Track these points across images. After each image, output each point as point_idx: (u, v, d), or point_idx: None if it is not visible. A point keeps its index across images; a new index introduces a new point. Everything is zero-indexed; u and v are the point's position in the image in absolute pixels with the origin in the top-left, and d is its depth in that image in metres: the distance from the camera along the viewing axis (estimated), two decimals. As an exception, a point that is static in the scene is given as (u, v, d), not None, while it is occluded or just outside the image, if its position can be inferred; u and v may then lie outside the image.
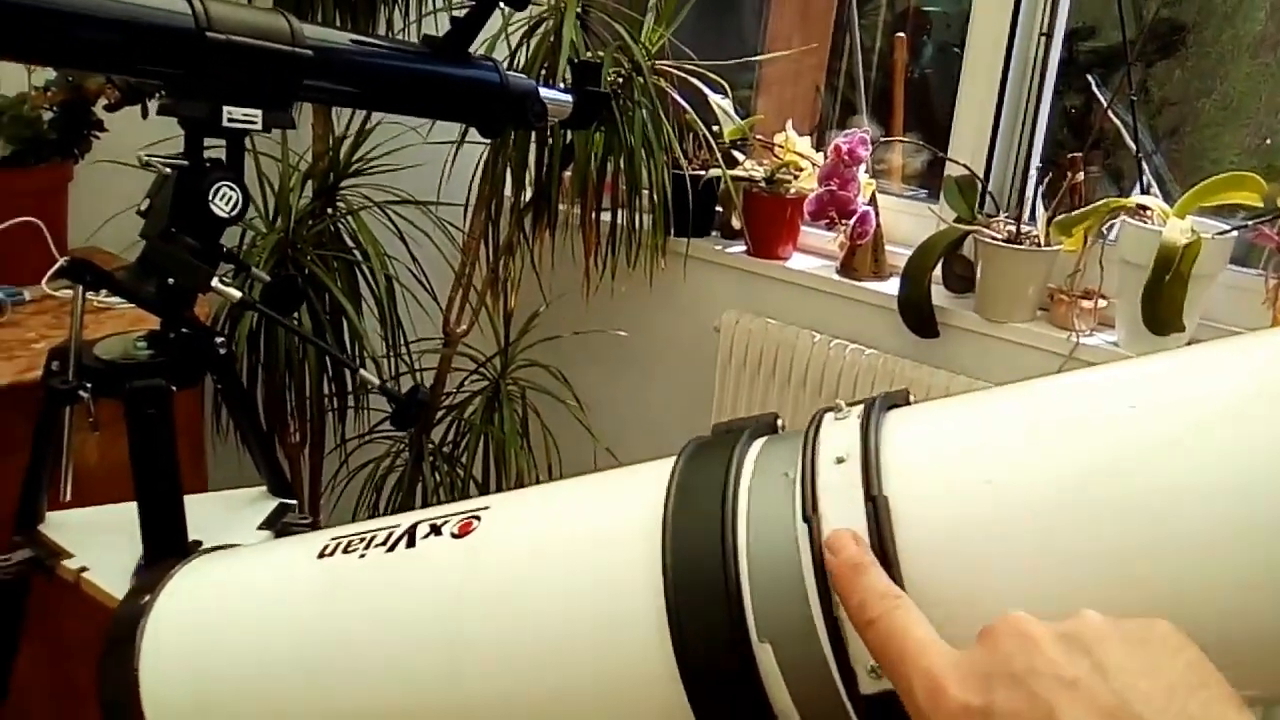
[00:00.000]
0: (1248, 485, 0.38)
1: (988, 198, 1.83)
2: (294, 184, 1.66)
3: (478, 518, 0.57)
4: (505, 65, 1.16)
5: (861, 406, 0.50)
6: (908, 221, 1.98)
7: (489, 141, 1.87)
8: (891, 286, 1.88)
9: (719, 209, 2.11)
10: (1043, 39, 1.77)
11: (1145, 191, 1.65)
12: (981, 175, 1.81)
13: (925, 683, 0.37)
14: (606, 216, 1.91)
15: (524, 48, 1.84)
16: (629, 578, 0.47)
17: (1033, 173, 1.85)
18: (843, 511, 0.44)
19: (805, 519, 0.45)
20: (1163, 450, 0.40)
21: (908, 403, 0.51)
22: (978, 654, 0.37)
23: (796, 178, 1.96)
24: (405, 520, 0.60)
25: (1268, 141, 1.81)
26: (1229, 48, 1.82)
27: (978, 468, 0.44)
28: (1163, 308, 1.53)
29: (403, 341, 1.85)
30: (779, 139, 1.98)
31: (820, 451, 0.47)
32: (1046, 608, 0.38)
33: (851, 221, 1.76)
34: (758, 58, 2.18)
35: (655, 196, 1.86)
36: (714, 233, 2.13)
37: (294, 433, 1.88)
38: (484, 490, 1.95)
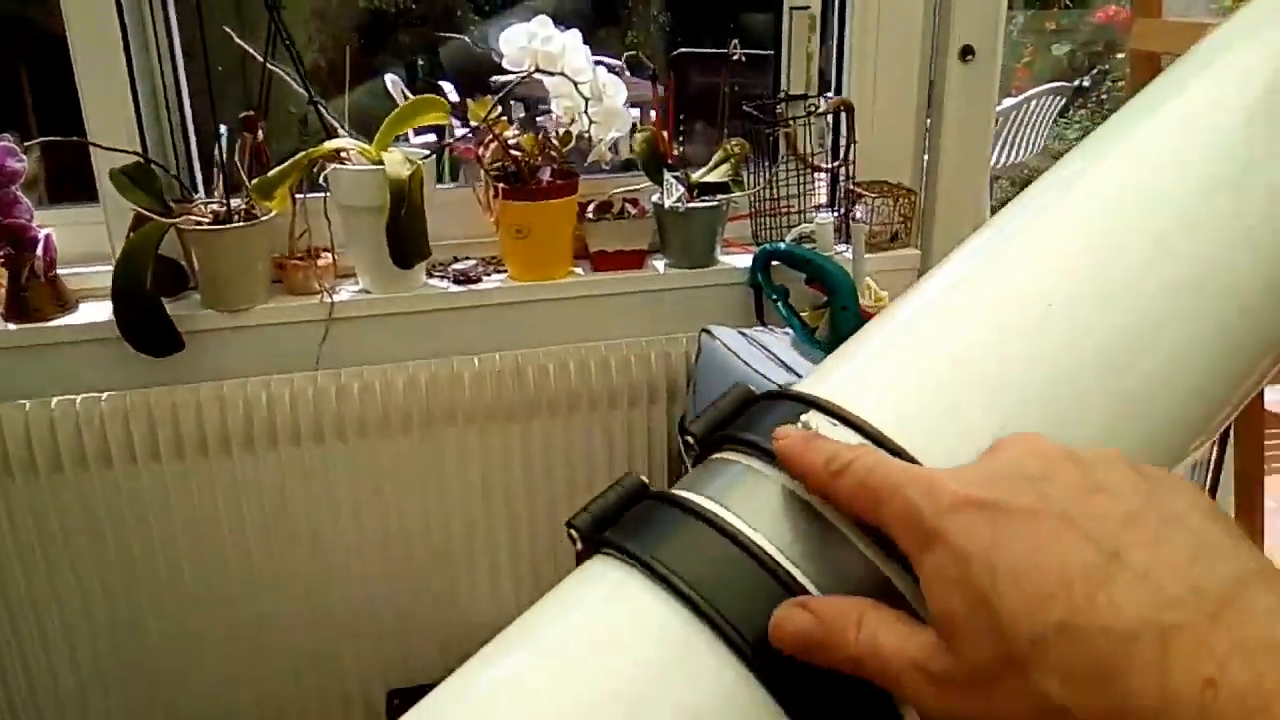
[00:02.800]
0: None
1: (172, 184, 1.60)
2: None
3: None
4: None
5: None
6: (56, 236, 1.62)
7: None
8: (85, 315, 1.55)
9: None
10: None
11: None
12: (144, 159, 1.56)
13: (921, 486, 0.33)
14: None
15: None
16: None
17: (194, 142, 1.67)
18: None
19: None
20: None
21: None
22: (983, 461, 0.35)
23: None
24: None
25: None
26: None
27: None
28: (409, 240, 1.54)
29: None
30: None
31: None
32: None
33: (39, 251, 1.39)
34: None
35: None
36: None
37: None
38: None
